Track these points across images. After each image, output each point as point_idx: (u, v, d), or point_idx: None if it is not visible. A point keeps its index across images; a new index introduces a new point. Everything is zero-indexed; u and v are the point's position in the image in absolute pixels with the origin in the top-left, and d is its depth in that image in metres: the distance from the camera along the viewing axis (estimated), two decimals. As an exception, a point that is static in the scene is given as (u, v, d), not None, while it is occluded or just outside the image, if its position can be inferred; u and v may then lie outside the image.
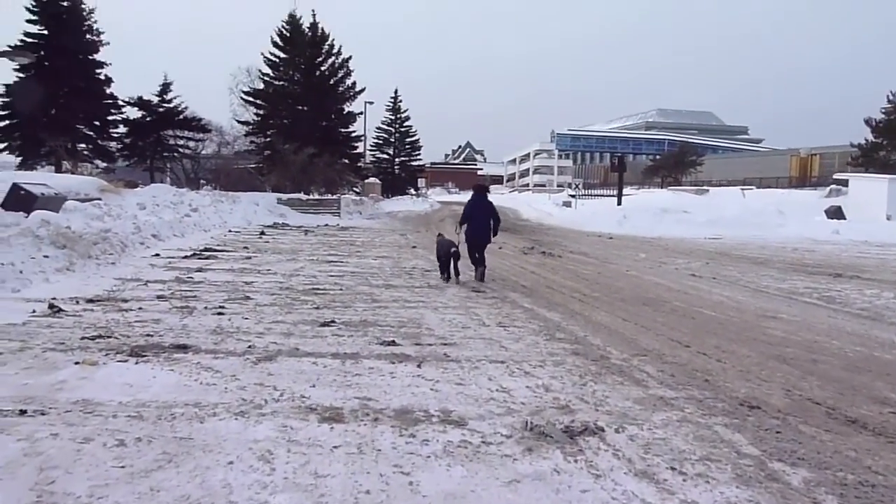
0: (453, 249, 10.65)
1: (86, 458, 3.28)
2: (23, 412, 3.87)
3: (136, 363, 5.03)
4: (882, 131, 39.37)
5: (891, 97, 39.34)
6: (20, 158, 33.15)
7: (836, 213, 28.69)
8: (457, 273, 10.65)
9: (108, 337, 5.80)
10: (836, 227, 25.55)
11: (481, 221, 10.99)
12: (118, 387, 4.42)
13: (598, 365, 5.58)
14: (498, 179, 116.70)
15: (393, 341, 6.05)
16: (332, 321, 6.90)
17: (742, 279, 12.17)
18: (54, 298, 7.35)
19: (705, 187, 50.00)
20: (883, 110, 39.60)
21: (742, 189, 44.98)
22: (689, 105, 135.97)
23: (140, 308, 7.25)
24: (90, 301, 7.52)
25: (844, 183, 34.24)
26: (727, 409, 4.51)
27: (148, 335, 5.96)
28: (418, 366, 5.29)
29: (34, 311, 6.77)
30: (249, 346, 5.67)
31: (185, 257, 12.48)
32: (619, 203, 31.27)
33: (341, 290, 9.27)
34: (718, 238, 23.29)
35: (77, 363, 4.91)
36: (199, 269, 10.78)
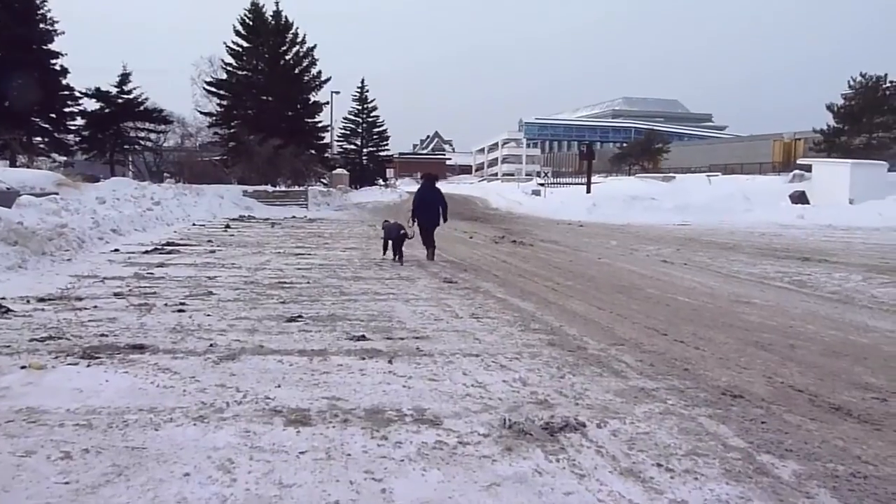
0: (402, 231, 11.72)
1: (26, 474, 3.00)
2: (-42, 424, 3.56)
3: (88, 366, 4.71)
4: (844, 117, 40.03)
5: (851, 83, 40.02)
6: (-27, 153, 31.95)
7: (800, 198, 29.10)
8: (399, 255, 11.67)
9: (59, 338, 5.45)
10: (800, 212, 25.96)
11: (432, 207, 12.18)
12: (67, 392, 4.11)
13: (575, 356, 5.42)
14: (467, 169, 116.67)
15: (363, 336, 5.82)
16: (299, 316, 6.63)
17: (713, 264, 12.21)
18: (3, 298, 6.94)
19: (671, 174, 50.48)
20: (844, 96, 40.27)
21: (708, 176, 45.40)
22: (655, 93, 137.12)
23: (95, 306, 6.88)
24: (41, 300, 7.12)
25: (808, 168, 34.76)
26: (710, 398, 4.37)
27: (102, 335, 5.63)
28: (389, 361, 5.06)
29: (-21, 313, 6.37)
30: (211, 345, 5.39)
31: (146, 252, 12.07)
32: (589, 191, 31.35)
33: (309, 283, 9.00)
34: (687, 224, 23.52)
35: (23, 367, 4.58)
36: (161, 265, 10.39)
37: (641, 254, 14.08)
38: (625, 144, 74.67)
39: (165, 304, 7.06)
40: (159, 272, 9.59)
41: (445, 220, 12.41)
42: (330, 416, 3.85)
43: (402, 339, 5.85)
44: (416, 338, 5.90)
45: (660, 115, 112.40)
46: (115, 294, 7.63)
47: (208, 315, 6.60)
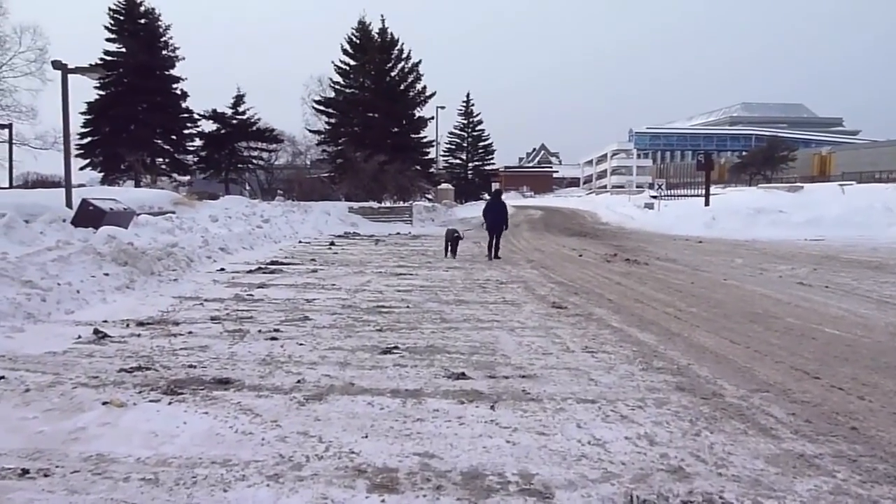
0: (455, 234, 15.93)
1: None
2: (24, 472, 3.31)
3: (170, 403, 4.44)
4: None
5: None
6: (102, 174, 34.36)
7: (953, 210, 26.04)
8: (454, 253, 15.69)
9: (148, 369, 5.27)
10: (955, 226, 23.15)
11: (498, 217, 15.97)
12: (141, 436, 3.82)
13: (710, 405, 4.62)
14: (574, 182, 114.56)
15: (463, 373, 5.27)
16: (395, 347, 6.19)
17: (859, 288, 10.82)
18: (105, 321, 6.97)
19: (799, 184, 47.04)
20: None
21: (841, 185, 41.93)
22: (776, 97, 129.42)
23: (190, 332, 6.75)
24: (140, 324, 7.09)
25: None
26: (892, 472, 3.49)
27: (190, 366, 5.41)
28: (492, 407, 4.48)
29: (79, 337, 6.36)
30: (299, 381, 5.02)
31: (250, 271, 12.15)
32: (707, 203, 29.51)
33: (408, 307, 8.58)
34: (820, 240, 21.49)
35: (105, 403, 4.37)
36: (262, 285, 10.34)
37: (773, 274, 12.75)
38: (744, 153, 70.78)
39: (259, 331, 6.83)
40: (259, 293, 9.51)
41: (506, 227, 16.28)
42: (421, 479, 3.31)
43: (506, 377, 5.25)
44: (523, 376, 5.29)
45: (782, 121, 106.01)
46: (212, 318, 7.52)
47: (301, 344, 6.29)
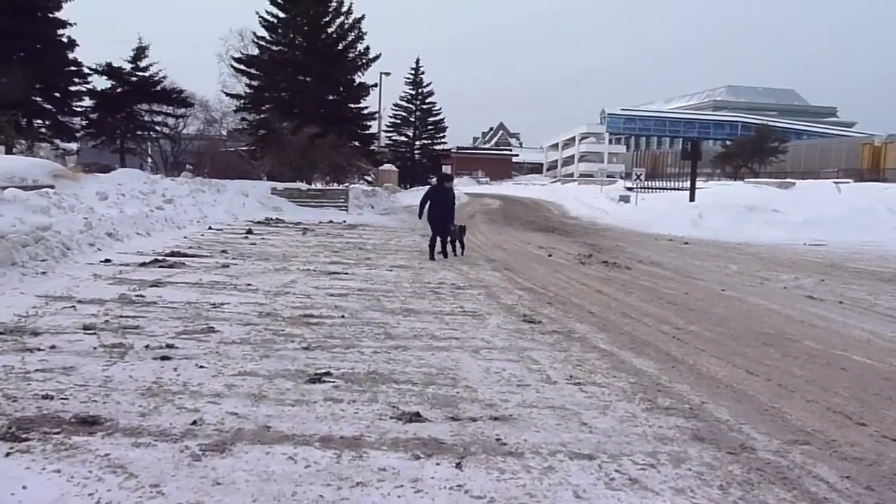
0: (452, 227, 14.84)
1: None
2: None
3: (7, 454, 3.69)
4: None
5: None
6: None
7: (961, 215, 26.80)
8: (454, 249, 14.95)
9: (-16, 401, 4.46)
10: (965, 232, 23.75)
11: (444, 210, 14.62)
12: (-45, 511, 3.05)
13: (741, 464, 4.13)
14: (537, 167, 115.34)
15: (417, 413, 4.65)
16: (327, 373, 5.52)
17: (878, 304, 10.70)
18: (-64, 329, 6.07)
19: (789, 179, 48.01)
20: None
21: (836, 182, 42.96)
22: (765, 81, 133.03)
23: (53, 346, 5.93)
24: (-15, 334, 6.21)
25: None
26: None
27: (46, 397, 4.62)
28: (458, 465, 3.87)
29: None
30: (195, 422, 4.31)
31: (144, 265, 11.29)
32: (693, 198, 29.60)
33: (343, 317, 7.94)
34: (821, 244, 21.71)
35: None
36: (156, 283, 9.54)
37: (776, 284, 12.58)
38: (728, 142, 72.23)
39: (146, 347, 6.07)
40: (152, 294, 8.71)
41: (454, 226, 14.94)
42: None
43: (473, 419, 4.66)
44: (495, 418, 4.70)
45: (772, 108, 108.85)
46: (85, 327, 6.69)
47: (201, 367, 5.56)
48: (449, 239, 14.74)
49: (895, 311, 10.10)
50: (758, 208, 26.73)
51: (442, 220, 14.51)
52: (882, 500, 3.71)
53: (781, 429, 4.79)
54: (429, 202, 14.66)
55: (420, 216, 15.17)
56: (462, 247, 15.05)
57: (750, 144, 59.07)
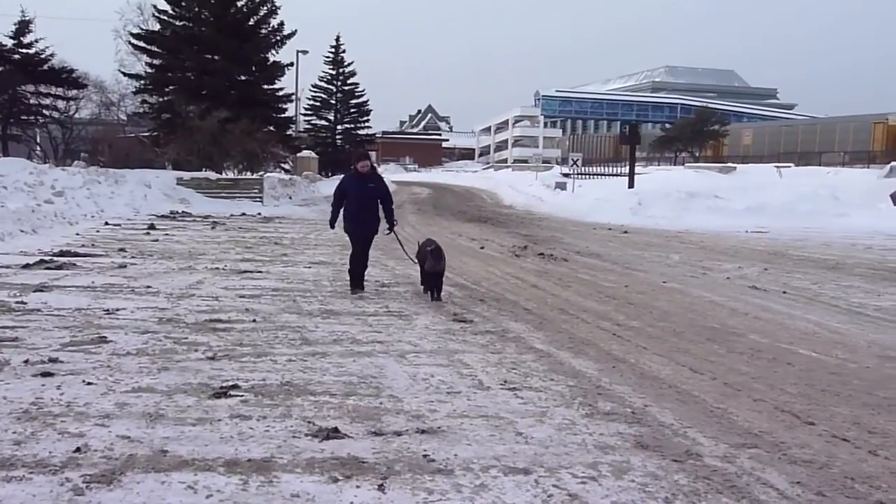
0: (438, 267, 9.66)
1: None
2: None
3: None
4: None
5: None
6: None
7: (904, 199, 28.00)
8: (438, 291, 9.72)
9: None
10: (908, 217, 24.81)
11: (365, 207, 10.07)
12: None
13: (686, 472, 4.12)
14: (468, 153, 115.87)
15: (335, 429, 4.51)
16: (234, 386, 5.34)
17: (823, 294, 11.05)
18: None
19: (730, 164, 49.45)
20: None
21: (777, 167, 44.49)
22: (705, 62, 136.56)
23: (-88, 364, 5.56)
24: None
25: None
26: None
27: None
28: (380, 487, 3.75)
29: None
30: (78, 449, 4.07)
31: (28, 266, 10.86)
32: (632, 185, 30.18)
33: (255, 321, 7.78)
34: (763, 231, 22.41)
35: None
36: (41, 288, 9.16)
37: (718, 275, 12.87)
38: (668, 125, 74.00)
39: (26, 361, 5.76)
40: (35, 300, 8.36)
41: (391, 228, 10.34)
42: None
43: (398, 433, 4.54)
44: (422, 431, 4.60)
45: (711, 90, 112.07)
46: (-46, 340, 6.32)
47: (89, 383, 5.30)
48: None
49: (839, 300, 10.43)
50: (699, 195, 27.41)
51: (363, 225, 9.97)
52: (833, 506, 3.74)
53: (728, 432, 4.82)
54: (345, 201, 10.03)
55: (333, 224, 10.43)
56: (437, 290, 9.62)
57: (690, 128, 60.70)
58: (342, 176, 11.28)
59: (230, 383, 5.41)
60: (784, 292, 11.05)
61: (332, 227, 10.52)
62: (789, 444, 4.63)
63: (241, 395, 5.17)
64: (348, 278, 10.12)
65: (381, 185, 10.10)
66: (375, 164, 11.01)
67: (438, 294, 9.51)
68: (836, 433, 4.87)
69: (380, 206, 10.07)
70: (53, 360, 5.81)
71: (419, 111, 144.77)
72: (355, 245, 10.05)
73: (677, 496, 3.81)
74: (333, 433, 4.46)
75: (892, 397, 5.72)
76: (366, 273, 10.30)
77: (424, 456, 4.21)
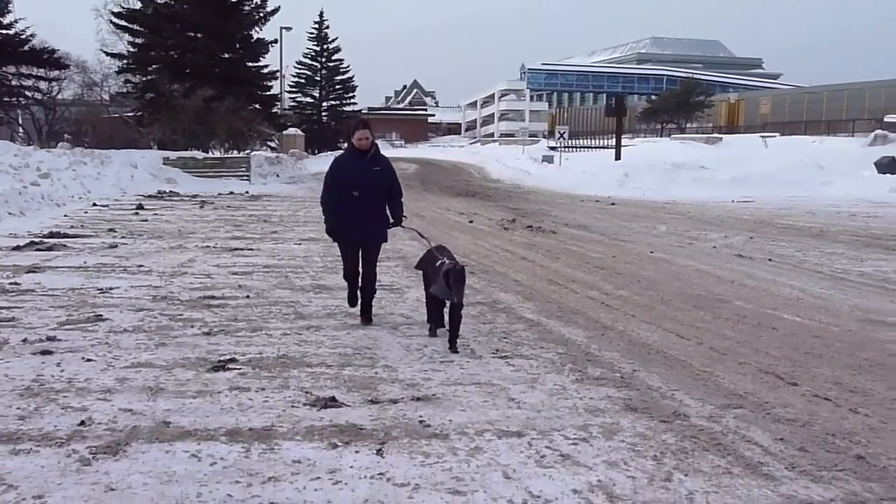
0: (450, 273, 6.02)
1: None
2: None
3: None
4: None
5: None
6: None
7: (889, 166, 28.16)
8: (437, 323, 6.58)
9: None
10: (893, 185, 25.00)
11: (365, 200, 6.78)
12: None
13: (674, 432, 4.26)
14: (455, 128, 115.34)
15: (332, 398, 4.62)
16: (231, 359, 5.43)
17: (807, 261, 11.22)
18: None
19: (717, 135, 49.47)
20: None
21: (763, 136, 44.56)
22: (690, 33, 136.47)
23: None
24: None
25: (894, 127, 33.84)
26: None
27: None
28: (379, 452, 3.87)
29: None
30: (83, 422, 4.16)
31: (18, 248, 10.89)
32: (618, 157, 30.27)
33: (248, 297, 7.87)
34: (749, 201, 22.60)
35: None
36: (33, 269, 9.19)
37: (704, 244, 13.02)
38: (654, 97, 73.86)
39: (24, 341, 5.82)
40: (28, 281, 8.40)
41: (399, 219, 7.15)
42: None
43: (394, 401, 4.66)
44: (417, 399, 4.72)
45: (697, 61, 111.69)
46: (-49, 321, 6.38)
47: (88, 360, 5.38)
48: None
49: (822, 266, 10.60)
50: (685, 166, 27.54)
51: (365, 229, 6.85)
52: (816, 461, 3.88)
53: (714, 394, 4.96)
54: (338, 190, 6.77)
55: (332, 231, 7.02)
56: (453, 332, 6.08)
57: (675, 99, 60.53)
58: (333, 157, 7.78)
59: (228, 357, 5.50)
60: (769, 260, 11.21)
61: (333, 235, 7.08)
62: (773, 404, 4.77)
63: (239, 368, 5.27)
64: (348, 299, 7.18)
65: (388, 171, 6.98)
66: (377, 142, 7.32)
67: (454, 339, 6.00)
68: (818, 393, 5.02)
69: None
70: (51, 339, 5.87)
71: (405, 86, 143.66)
72: (349, 259, 6.97)
73: (665, 454, 3.95)
74: (331, 402, 4.57)
75: (873, 359, 5.87)
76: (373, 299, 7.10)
77: (420, 422, 4.33)
